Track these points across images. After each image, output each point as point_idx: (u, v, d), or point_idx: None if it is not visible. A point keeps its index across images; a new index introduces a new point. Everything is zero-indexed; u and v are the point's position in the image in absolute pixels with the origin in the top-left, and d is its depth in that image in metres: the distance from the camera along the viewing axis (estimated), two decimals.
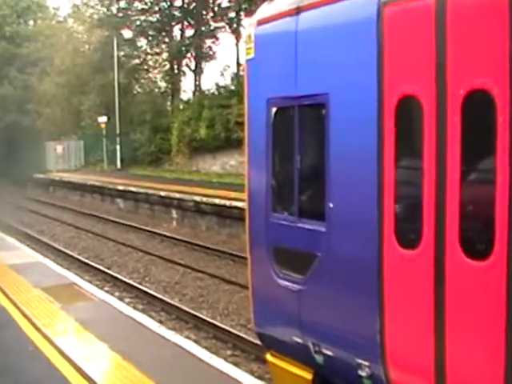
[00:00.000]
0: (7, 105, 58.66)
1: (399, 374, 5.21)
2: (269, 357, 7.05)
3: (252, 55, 6.80)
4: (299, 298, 6.18)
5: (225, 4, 46.95)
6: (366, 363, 5.44)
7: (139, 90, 54.58)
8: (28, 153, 55.50)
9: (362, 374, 5.49)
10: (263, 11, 6.87)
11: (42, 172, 50.15)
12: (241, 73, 40.69)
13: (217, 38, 48.57)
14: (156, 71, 54.27)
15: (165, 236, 23.71)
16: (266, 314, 6.93)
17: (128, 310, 10.49)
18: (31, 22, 65.73)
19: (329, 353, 5.90)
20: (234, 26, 46.44)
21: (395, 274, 5.11)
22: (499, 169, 4.30)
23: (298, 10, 6.09)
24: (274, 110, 6.48)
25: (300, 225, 6.14)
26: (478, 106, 4.55)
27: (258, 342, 8.14)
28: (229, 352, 11.19)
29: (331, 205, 5.68)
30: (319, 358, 6.04)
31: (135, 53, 52.02)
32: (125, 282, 16.58)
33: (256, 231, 6.92)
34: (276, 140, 6.51)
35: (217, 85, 42.81)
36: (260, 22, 6.72)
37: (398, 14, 5.02)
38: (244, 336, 11.54)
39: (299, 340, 6.26)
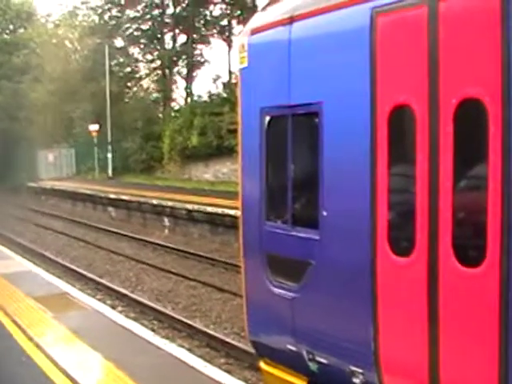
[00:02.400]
0: None
1: (393, 381, 5.22)
2: (262, 365, 7.05)
3: (245, 64, 6.83)
4: (293, 305, 6.19)
5: (217, 12, 47.16)
6: (360, 370, 5.46)
7: (131, 97, 54.55)
8: (20, 161, 55.36)
9: (356, 381, 5.50)
10: (256, 20, 6.91)
11: (34, 180, 50.02)
12: (233, 80, 40.80)
13: (209, 43, 48.66)
14: (148, 79, 54.29)
15: (157, 244, 23.66)
16: (259, 322, 6.94)
17: (120, 319, 10.45)
18: (21, 30, 65.59)
19: (323, 360, 5.91)
20: (226, 33, 46.57)
21: (389, 281, 5.13)
22: (491, 176, 4.34)
23: (291, 20, 6.13)
24: (267, 118, 6.51)
25: (294, 233, 6.16)
26: (470, 115, 4.60)
27: (252, 350, 8.14)
28: (222, 360, 11.16)
29: (325, 213, 5.70)
30: (313, 366, 6.05)
31: (127, 61, 52.03)
32: (117, 291, 16.53)
33: (250, 239, 6.93)
34: (269, 148, 6.53)
35: (209, 92, 42.91)
36: (253, 31, 6.75)
37: (391, 23, 5.06)
38: (237, 344, 11.53)
39: (293, 348, 6.27)
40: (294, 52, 6.10)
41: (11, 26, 64.98)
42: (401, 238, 5.14)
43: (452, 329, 4.65)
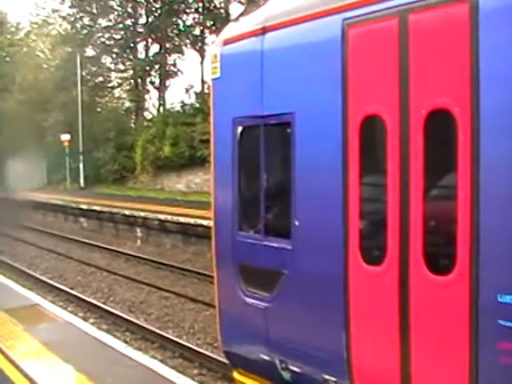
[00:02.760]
0: None
1: None
2: (236, 375, 7.05)
3: (218, 74, 6.86)
4: (266, 315, 6.21)
5: (190, 21, 47.18)
6: (333, 379, 5.49)
7: (103, 107, 54.27)
8: None
9: None
10: (229, 31, 6.94)
11: (3, 190, 49.41)
12: (205, 90, 40.82)
13: (182, 53, 48.62)
14: (120, 89, 54.09)
15: (129, 255, 23.51)
16: (232, 332, 6.94)
17: (93, 331, 10.37)
18: None
19: (296, 369, 5.93)
20: (199, 44, 46.60)
21: (360, 290, 5.17)
22: (460, 185, 4.41)
23: (263, 30, 6.17)
24: (239, 129, 6.54)
25: (266, 243, 6.18)
26: (439, 126, 4.67)
27: (225, 361, 8.12)
28: (195, 371, 11.12)
29: (297, 223, 5.73)
30: (286, 375, 6.06)
31: (99, 70, 51.80)
32: (89, 302, 16.37)
33: (222, 249, 6.94)
34: (242, 159, 6.56)
35: (181, 102, 42.82)
36: (226, 42, 6.78)
37: (362, 34, 5.13)
38: (210, 355, 11.49)
39: (266, 357, 6.28)
40: (266, 62, 6.13)
41: None
42: (372, 247, 5.18)
43: (423, 337, 4.70)
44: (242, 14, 7.01)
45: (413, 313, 4.74)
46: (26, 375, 7.94)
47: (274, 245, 6.07)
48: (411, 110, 4.71)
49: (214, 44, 7.27)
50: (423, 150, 4.65)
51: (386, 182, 4.92)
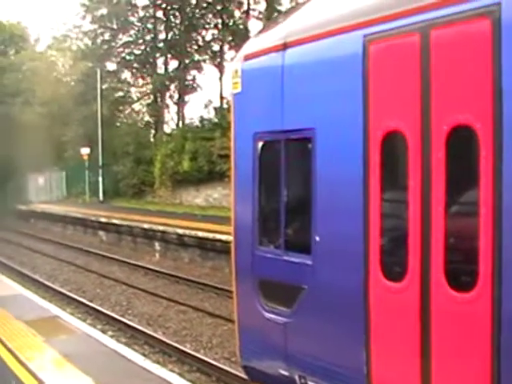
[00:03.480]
0: None
1: None
2: None
3: (239, 89, 6.90)
4: (285, 330, 6.20)
5: (209, 37, 47.50)
6: None
7: (122, 121, 54.64)
8: (9, 184, 55.14)
9: None
10: (250, 46, 6.99)
11: (24, 203, 49.81)
12: (224, 106, 40.99)
13: (201, 69, 48.92)
14: (139, 103, 54.45)
15: (148, 269, 23.58)
16: (251, 347, 6.93)
17: (111, 343, 10.42)
18: (11, 53, 65.75)
19: None
20: (218, 59, 46.88)
21: (381, 306, 5.15)
22: (482, 202, 4.39)
23: (284, 46, 6.21)
24: (260, 144, 6.56)
25: (286, 258, 6.18)
26: (461, 142, 4.66)
27: (242, 375, 8.12)
28: None
29: (317, 238, 5.73)
30: None
31: (119, 85, 52.22)
32: (107, 315, 16.44)
33: (242, 264, 6.94)
34: (262, 174, 6.58)
35: (200, 117, 43.03)
36: (247, 57, 6.83)
37: (383, 50, 5.14)
38: (228, 369, 11.48)
39: (285, 372, 6.26)
40: (287, 78, 6.17)
41: (1, 48, 65.12)
42: (393, 263, 5.17)
43: (444, 353, 4.67)
44: (262, 30, 7.04)
45: (434, 330, 4.71)
46: None
47: (294, 260, 6.07)
48: (433, 126, 4.71)
49: (234, 59, 7.32)
50: (445, 165, 4.64)
51: (407, 197, 4.91)
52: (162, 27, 49.12)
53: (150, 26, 49.45)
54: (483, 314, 4.36)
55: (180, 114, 50.08)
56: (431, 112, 4.72)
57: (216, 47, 47.40)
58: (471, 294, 4.47)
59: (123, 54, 50.69)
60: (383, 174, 5.13)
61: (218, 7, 45.35)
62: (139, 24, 49.76)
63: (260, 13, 44.63)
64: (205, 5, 45.93)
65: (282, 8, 40.16)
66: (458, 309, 4.56)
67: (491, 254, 4.31)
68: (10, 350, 9.57)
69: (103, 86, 49.05)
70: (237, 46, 37.63)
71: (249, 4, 44.70)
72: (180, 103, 49.92)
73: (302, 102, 6.02)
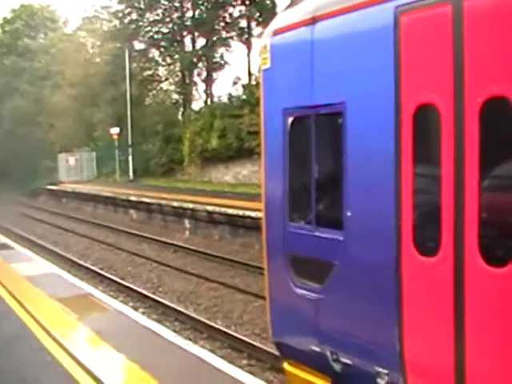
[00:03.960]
0: (19, 118, 59.10)
1: (419, 382, 5.19)
2: (286, 366, 7.04)
3: (268, 65, 6.83)
4: (317, 306, 6.18)
5: (236, 13, 47.24)
6: (385, 371, 5.43)
7: (151, 100, 54.82)
8: (41, 165, 55.86)
9: (381, 382, 5.47)
10: (278, 21, 6.91)
11: (55, 183, 50.42)
12: (252, 82, 40.84)
13: (229, 46, 48.76)
14: (168, 82, 54.52)
15: (178, 246, 23.74)
16: (283, 323, 6.93)
17: (143, 320, 10.51)
18: (41, 36, 66.29)
19: (347, 361, 5.89)
20: (245, 36, 46.63)
21: (414, 281, 5.10)
22: None
23: (313, 20, 6.12)
24: (290, 119, 6.51)
25: (317, 234, 6.15)
26: (496, 114, 4.56)
27: (274, 352, 8.14)
28: (244, 361, 11.17)
29: (349, 213, 5.68)
30: (337, 367, 6.03)
31: (147, 64, 52.30)
32: (139, 292, 16.61)
33: (273, 240, 6.93)
34: (292, 149, 6.53)
35: (229, 94, 42.96)
36: (275, 32, 6.75)
37: (415, 22, 5.04)
38: (259, 345, 11.53)
39: (317, 349, 6.26)
40: (316, 52, 6.09)
41: (32, 33, 65.68)
42: (426, 238, 5.10)
43: (478, 330, 4.62)
44: (291, 4, 6.95)
45: (468, 305, 4.65)
46: (79, 363, 8.10)
47: (326, 236, 6.03)
48: (466, 99, 4.61)
49: (263, 34, 7.25)
50: (478, 139, 4.55)
51: (440, 172, 4.83)
52: (189, 5, 48.95)
53: (176, 4, 49.30)
54: None
55: (208, 92, 50.05)
56: (464, 84, 4.62)
57: (243, 24, 47.13)
58: (506, 268, 4.40)
59: (151, 33, 50.67)
60: (415, 148, 5.05)
61: None
62: (166, 2, 49.62)
63: None
64: None
65: None
66: (492, 283, 4.50)
67: None
68: (43, 328, 9.71)
69: (132, 66, 49.17)
70: (264, 22, 37.36)
71: None
72: (208, 81, 49.86)
73: (332, 77, 5.94)
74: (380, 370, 5.49)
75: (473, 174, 4.59)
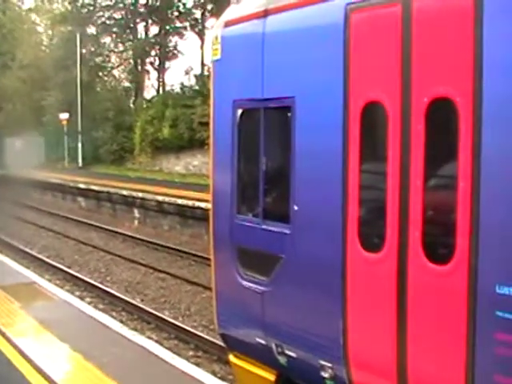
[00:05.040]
0: None
1: (362, 376, 5.27)
2: (232, 358, 7.07)
3: (218, 56, 6.81)
4: (263, 299, 6.21)
5: (190, 4, 46.90)
6: (329, 364, 5.50)
7: (102, 87, 54.08)
8: None
9: (325, 375, 5.54)
10: (230, 13, 6.89)
11: (1, 168, 49.31)
12: (205, 73, 40.66)
13: (182, 35, 48.35)
14: (119, 69, 53.87)
15: (127, 235, 23.55)
16: (229, 316, 6.95)
17: (89, 310, 10.39)
18: None
19: (292, 354, 5.94)
20: (199, 26, 46.35)
21: (358, 276, 5.17)
22: (461, 175, 4.39)
23: (265, 13, 6.12)
24: (239, 111, 6.50)
25: (264, 226, 6.17)
26: (441, 114, 4.64)
27: (221, 343, 8.15)
28: (191, 353, 11.18)
29: (296, 207, 5.72)
30: (282, 360, 6.08)
31: (99, 50, 51.56)
32: (85, 282, 16.43)
33: (220, 232, 6.93)
34: (241, 142, 6.53)
35: (181, 84, 42.67)
36: (227, 24, 6.73)
37: (365, 20, 5.09)
38: (206, 337, 11.54)
39: (262, 341, 6.29)
40: (267, 45, 6.09)
41: None
42: (371, 234, 5.17)
43: (420, 325, 4.71)
44: None
45: (410, 301, 4.74)
46: (21, 353, 7.97)
47: (273, 229, 6.06)
48: (413, 98, 4.68)
49: (215, 26, 7.22)
50: (424, 138, 4.62)
51: (386, 168, 4.90)
52: None
53: None
54: (459, 286, 4.38)
55: (160, 81, 49.66)
56: (412, 83, 4.69)
57: (198, 14, 46.81)
58: (448, 266, 4.49)
59: (103, 19, 49.92)
60: (362, 144, 5.11)
61: None
62: None
63: None
64: None
65: None
66: (434, 281, 4.59)
67: (469, 228, 4.32)
68: None
69: (83, 51, 48.41)
70: (218, 13, 37.18)
71: None
72: (161, 69, 49.44)
73: (282, 70, 5.96)
74: (324, 363, 5.56)
75: (418, 172, 4.66)
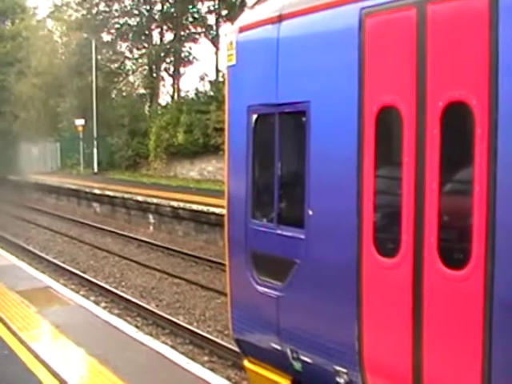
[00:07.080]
0: None
1: (377, 381, 5.25)
2: (246, 363, 7.06)
3: (233, 62, 6.83)
4: (278, 304, 6.21)
5: (205, 9, 46.99)
6: (344, 370, 5.48)
7: (117, 93, 54.28)
8: (3, 155, 54.86)
9: (340, 380, 5.52)
10: (245, 18, 6.91)
11: (17, 174, 49.62)
12: (220, 79, 40.72)
13: (196, 41, 48.46)
14: (134, 75, 54.06)
15: (141, 241, 23.60)
16: (244, 321, 6.95)
17: (104, 315, 10.42)
18: (8, 22, 65.09)
19: (307, 359, 5.93)
20: (214, 32, 46.44)
21: (374, 281, 5.16)
22: (477, 179, 4.37)
23: (280, 18, 6.13)
24: (254, 116, 6.52)
25: (279, 231, 6.17)
26: (456, 118, 4.62)
27: (235, 349, 8.15)
28: (206, 358, 11.17)
29: (311, 212, 5.72)
30: (297, 365, 6.07)
31: (114, 56, 51.79)
32: (101, 287, 16.48)
33: (235, 237, 6.93)
34: (256, 147, 6.54)
35: (196, 90, 42.76)
36: (242, 29, 6.75)
37: (380, 24, 5.08)
38: (221, 342, 11.53)
39: (277, 346, 6.29)
40: (282, 50, 6.10)
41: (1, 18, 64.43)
42: (386, 239, 5.16)
43: (436, 330, 4.68)
44: (258, 2, 6.95)
45: (426, 306, 4.71)
46: (37, 356, 8.02)
47: (287, 234, 6.06)
48: (428, 102, 4.67)
49: (229, 31, 7.24)
50: (440, 142, 4.61)
51: (401, 173, 4.88)
52: None
53: None
54: (475, 291, 4.36)
55: (175, 87, 49.72)
56: (427, 88, 4.68)
57: (212, 20, 46.92)
58: (464, 271, 4.46)
59: (118, 25, 50.16)
60: (377, 149, 5.10)
61: None
62: None
63: None
64: None
65: None
66: (450, 286, 4.56)
67: (485, 233, 4.30)
68: (2, 321, 9.57)
69: (98, 57, 48.64)
70: (233, 19, 37.27)
71: None
72: (175, 75, 49.55)
73: (296, 75, 5.97)
74: (339, 368, 5.54)
75: (433, 177, 4.64)
